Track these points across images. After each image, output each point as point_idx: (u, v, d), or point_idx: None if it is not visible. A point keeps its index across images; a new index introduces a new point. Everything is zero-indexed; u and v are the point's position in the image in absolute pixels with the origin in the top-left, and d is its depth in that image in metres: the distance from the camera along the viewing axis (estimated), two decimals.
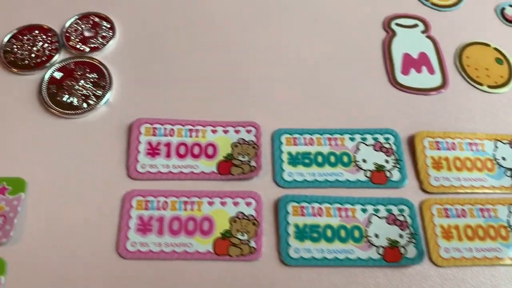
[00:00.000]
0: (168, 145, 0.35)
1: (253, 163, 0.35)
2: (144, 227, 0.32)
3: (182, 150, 0.35)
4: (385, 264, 0.32)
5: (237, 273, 0.31)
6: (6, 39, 0.39)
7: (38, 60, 0.38)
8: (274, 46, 0.41)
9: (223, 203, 0.34)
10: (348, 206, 0.34)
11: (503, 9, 0.44)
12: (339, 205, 0.34)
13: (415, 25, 0.42)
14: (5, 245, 0.32)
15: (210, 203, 0.33)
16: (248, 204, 0.34)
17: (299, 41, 0.41)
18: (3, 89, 0.38)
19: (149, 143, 0.35)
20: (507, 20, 0.43)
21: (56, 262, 0.31)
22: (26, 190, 0.33)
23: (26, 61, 0.38)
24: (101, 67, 0.38)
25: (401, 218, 0.34)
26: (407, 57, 0.40)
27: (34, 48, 0.39)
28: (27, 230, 0.32)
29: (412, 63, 0.40)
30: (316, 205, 0.34)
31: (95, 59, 0.39)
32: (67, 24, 0.40)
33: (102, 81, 0.38)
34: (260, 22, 0.42)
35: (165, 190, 0.34)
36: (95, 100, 0.37)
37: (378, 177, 0.35)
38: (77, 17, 0.41)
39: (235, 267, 0.32)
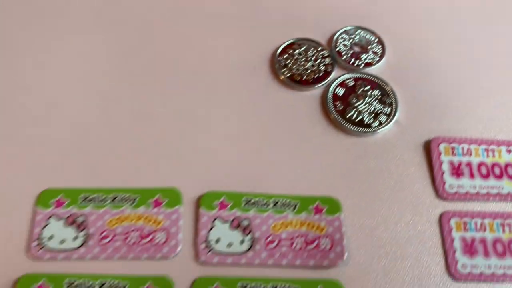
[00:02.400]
0: (469, 165, 0.35)
1: None
2: (469, 249, 0.33)
3: (483, 170, 0.35)
4: None
5: None
6: (278, 53, 0.39)
7: (315, 76, 0.38)
8: None
9: None
10: None
11: None
12: None
13: None
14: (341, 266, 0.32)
15: None
16: None
17: None
18: (285, 105, 0.37)
19: (451, 163, 0.35)
20: None
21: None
22: (341, 209, 0.33)
23: (304, 77, 0.38)
24: (382, 83, 0.38)
25: None
26: None
27: (309, 64, 0.39)
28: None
29: None
30: None
31: (374, 75, 0.38)
32: (335, 38, 0.40)
33: (387, 98, 0.37)
34: None
35: (479, 211, 0.34)
36: (385, 118, 0.37)
37: None
38: (342, 30, 0.40)
39: None
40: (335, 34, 0.40)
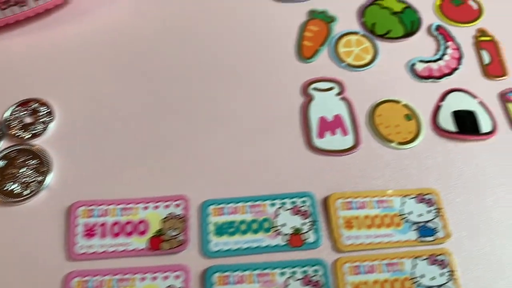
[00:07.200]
0: (103, 225, 0.39)
1: (181, 237, 0.38)
2: None
3: (116, 229, 0.39)
4: None
5: None
6: None
7: None
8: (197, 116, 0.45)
9: (154, 278, 0.37)
10: (268, 271, 0.38)
11: (413, 65, 0.48)
12: (260, 271, 0.37)
13: (331, 88, 0.46)
14: None
15: (142, 279, 0.37)
16: (177, 277, 0.37)
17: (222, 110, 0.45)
18: None
19: (86, 225, 0.39)
20: (417, 75, 0.47)
21: None
22: None
23: None
24: (40, 153, 0.42)
25: (315, 278, 0.37)
26: (323, 120, 0.44)
27: None
28: None
29: (327, 126, 0.44)
30: (239, 273, 0.37)
31: (34, 145, 0.42)
32: (8, 113, 0.43)
33: (43, 166, 0.41)
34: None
35: (102, 269, 0.37)
36: (36, 185, 0.40)
37: (296, 240, 0.39)
38: (16, 104, 0.44)
39: None
40: (8, 108, 0.44)
